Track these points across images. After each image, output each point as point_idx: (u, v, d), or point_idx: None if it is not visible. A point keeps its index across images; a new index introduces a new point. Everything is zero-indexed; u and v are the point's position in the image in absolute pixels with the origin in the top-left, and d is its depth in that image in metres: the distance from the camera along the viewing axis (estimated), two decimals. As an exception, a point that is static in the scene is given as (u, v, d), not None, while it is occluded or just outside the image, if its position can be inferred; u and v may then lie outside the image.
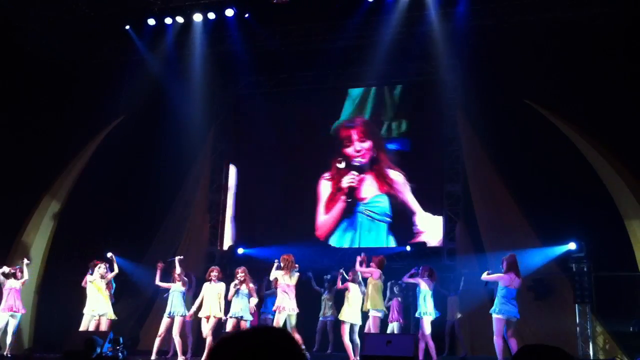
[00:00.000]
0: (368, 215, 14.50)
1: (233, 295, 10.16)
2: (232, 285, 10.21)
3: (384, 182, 14.51)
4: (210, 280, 10.46)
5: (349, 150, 14.94)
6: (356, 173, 14.72)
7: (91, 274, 10.97)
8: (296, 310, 9.83)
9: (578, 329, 11.62)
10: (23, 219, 14.54)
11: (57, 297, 13.63)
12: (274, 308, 9.93)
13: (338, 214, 14.75)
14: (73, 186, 15.11)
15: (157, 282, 10.99)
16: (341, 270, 10.55)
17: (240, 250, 14.62)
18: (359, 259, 10.43)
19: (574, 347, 11.31)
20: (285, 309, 9.67)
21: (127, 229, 14.42)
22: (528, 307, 11.42)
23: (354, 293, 10.03)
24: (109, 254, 11.37)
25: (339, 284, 10.37)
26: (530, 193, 12.59)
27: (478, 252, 12.97)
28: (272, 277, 10.09)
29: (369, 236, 14.39)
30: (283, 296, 9.76)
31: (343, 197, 14.73)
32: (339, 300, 11.29)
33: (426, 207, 14.15)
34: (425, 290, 10.15)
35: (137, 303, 14.22)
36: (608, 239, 11.68)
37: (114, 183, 14.51)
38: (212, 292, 10.37)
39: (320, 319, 12.57)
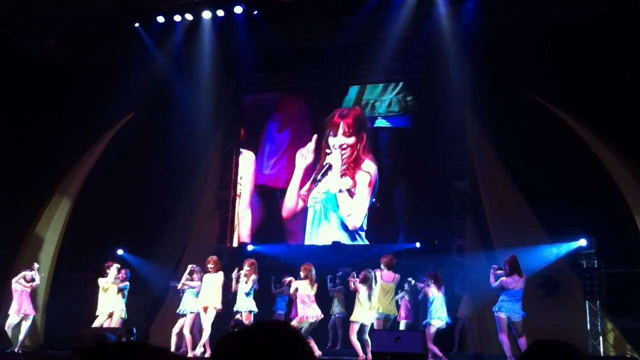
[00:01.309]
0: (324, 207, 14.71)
1: (236, 287, 10.18)
2: (233, 275, 10.21)
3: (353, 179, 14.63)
4: (208, 272, 10.43)
5: (332, 141, 14.96)
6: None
7: (105, 276, 11.08)
8: (320, 317, 9.82)
9: (588, 325, 11.56)
10: (34, 216, 14.61)
11: (68, 294, 13.70)
12: (297, 319, 9.81)
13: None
14: (83, 184, 15.18)
15: (184, 281, 10.85)
16: (353, 273, 10.54)
17: (250, 247, 14.62)
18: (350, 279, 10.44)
19: (584, 343, 11.26)
20: (308, 318, 9.64)
21: (137, 225, 14.47)
22: (538, 304, 11.38)
23: (363, 294, 10.00)
24: (120, 252, 11.40)
25: (351, 285, 10.35)
26: (539, 189, 12.53)
27: (487, 248, 12.92)
28: (292, 289, 10.00)
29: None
30: (303, 306, 9.70)
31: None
32: (349, 298, 11.31)
33: (434, 205, 14.11)
34: (433, 296, 10.08)
35: (146, 299, 14.27)
36: (618, 236, 11.61)
37: (123, 180, 14.55)
38: (211, 282, 10.32)
39: (331, 316, 12.59)
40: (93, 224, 14.42)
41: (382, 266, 10.27)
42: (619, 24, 12.05)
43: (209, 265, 10.46)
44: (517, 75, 12.76)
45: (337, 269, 12.92)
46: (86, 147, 15.36)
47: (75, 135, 14.76)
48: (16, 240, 14.07)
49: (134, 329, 9.35)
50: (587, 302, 11.62)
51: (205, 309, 10.22)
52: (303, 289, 9.72)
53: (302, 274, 9.82)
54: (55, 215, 14.84)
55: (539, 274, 11.94)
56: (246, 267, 10.22)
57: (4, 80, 13.37)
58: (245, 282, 10.11)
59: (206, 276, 10.44)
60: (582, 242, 11.85)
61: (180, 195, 15.17)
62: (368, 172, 14.61)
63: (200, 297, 10.36)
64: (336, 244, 14.23)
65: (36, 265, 11.74)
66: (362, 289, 10.00)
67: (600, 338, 11.43)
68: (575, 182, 12.00)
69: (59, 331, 13.40)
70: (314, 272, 9.85)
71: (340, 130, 14.96)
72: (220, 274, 10.42)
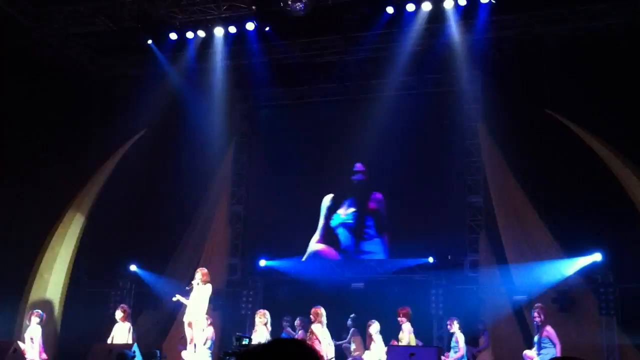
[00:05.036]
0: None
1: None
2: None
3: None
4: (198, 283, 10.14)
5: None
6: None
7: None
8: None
9: (604, 341, 11.45)
10: (47, 232, 14.67)
11: (82, 308, 13.74)
12: None
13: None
14: (96, 199, 15.25)
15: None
16: None
17: (263, 262, 14.58)
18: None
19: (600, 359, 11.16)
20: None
21: (150, 241, 14.52)
22: (552, 319, 11.28)
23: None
24: (134, 267, 11.39)
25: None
26: (553, 204, 12.48)
27: (501, 263, 12.86)
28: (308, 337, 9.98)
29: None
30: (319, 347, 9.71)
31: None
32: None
33: (447, 219, 14.07)
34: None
35: (159, 315, 14.28)
36: (633, 250, 11.53)
37: (136, 195, 14.62)
38: (198, 295, 10.09)
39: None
40: (106, 240, 14.48)
41: (403, 320, 10.32)
42: (633, 37, 12.03)
43: (198, 276, 10.18)
44: (530, 89, 12.78)
45: (349, 283, 12.85)
46: (99, 163, 15.45)
47: (88, 150, 14.88)
48: (30, 256, 14.13)
49: (158, 352, 9.25)
50: (602, 317, 11.52)
51: (190, 324, 10.01)
52: (319, 332, 9.61)
53: (312, 318, 9.82)
54: (69, 231, 14.89)
55: (553, 289, 11.86)
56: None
57: (19, 94, 13.51)
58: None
59: (196, 288, 10.13)
60: (597, 257, 11.77)
61: (193, 211, 15.22)
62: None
63: (188, 310, 10.06)
64: (348, 258, 14.20)
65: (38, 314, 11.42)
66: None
67: (616, 354, 11.31)
68: (590, 197, 11.95)
69: (72, 345, 13.42)
70: (322, 314, 9.80)
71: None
72: (209, 286, 10.18)
